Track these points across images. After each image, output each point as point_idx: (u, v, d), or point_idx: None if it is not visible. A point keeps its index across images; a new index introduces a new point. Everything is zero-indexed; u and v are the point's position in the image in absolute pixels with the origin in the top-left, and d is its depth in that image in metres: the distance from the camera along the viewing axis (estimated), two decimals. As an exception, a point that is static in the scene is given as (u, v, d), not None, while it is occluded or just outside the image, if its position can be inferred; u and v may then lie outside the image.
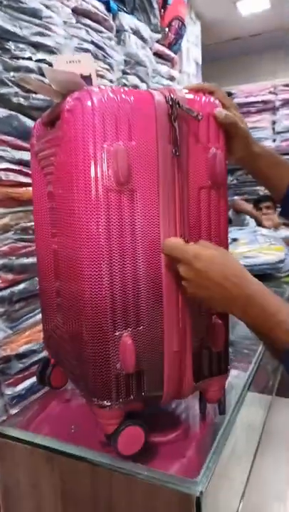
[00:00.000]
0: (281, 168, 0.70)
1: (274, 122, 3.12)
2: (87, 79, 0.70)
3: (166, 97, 0.55)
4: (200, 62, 2.70)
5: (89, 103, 0.50)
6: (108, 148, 0.50)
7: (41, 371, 0.73)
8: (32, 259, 1.14)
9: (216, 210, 0.59)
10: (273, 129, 3.13)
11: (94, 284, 0.51)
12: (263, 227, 2.61)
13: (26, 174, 1.11)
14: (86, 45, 1.37)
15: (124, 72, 1.60)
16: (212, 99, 0.60)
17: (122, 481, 0.53)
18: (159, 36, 1.87)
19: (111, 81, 1.47)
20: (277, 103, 3.13)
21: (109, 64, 1.50)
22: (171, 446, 0.59)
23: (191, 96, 0.58)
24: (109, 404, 0.53)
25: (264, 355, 0.93)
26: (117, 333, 0.52)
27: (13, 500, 0.63)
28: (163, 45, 1.97)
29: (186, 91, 0.60)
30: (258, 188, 3.09)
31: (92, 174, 0.51)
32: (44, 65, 1.10)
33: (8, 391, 1.08)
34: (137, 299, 0.53)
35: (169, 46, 2.05)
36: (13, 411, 1.07)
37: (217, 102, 0.61)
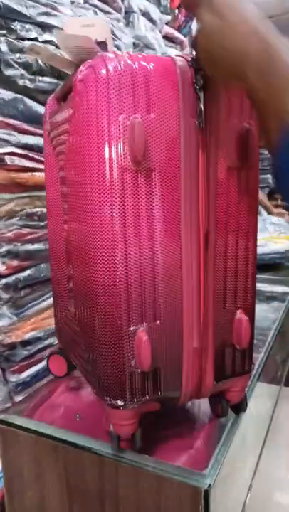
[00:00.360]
0: None
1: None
2: (102, 44, 0.65)
3: (189, 63, 0.48)
4: (210, 47, 2.63)
5: (103, 71, 0.44)
6: (124, 122, 0.45)
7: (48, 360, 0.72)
8: (37, 246, 1.13)
9: (246, 193, 0.53)
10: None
11: (107, 274, 0.47)
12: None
13: (32, 159, 1.08)
14: (94, 26, 1.33)
15: (132, 55, 1.57)
16: None
17: (129, 473, 0.51)
18: (168, 18, 1.82)
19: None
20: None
21: (117, 46, 1.46)
22: (179, 439, 0.57)
23: None
24: (122, 404, 0.49)
25: (273, 345, 0.91)
26: (131, 328, 0.48)
27: (17, 490, 0.63)
28: (172, 27, 1.92)
29: None
30: (268, 175, 3.03)
31: (106, 151, 0.46)
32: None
33: (13, 378, 1.08)
34: (153, 290, 0.48)
35: (179, 29, 1.99)
36: (18, 398, 1.07)
37: None
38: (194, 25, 2.02)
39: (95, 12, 1.34)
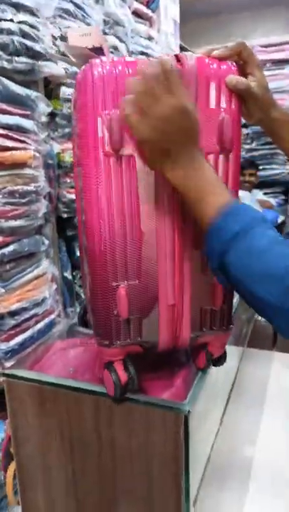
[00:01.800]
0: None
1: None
2: (99, 50, 0.72)
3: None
4: (178, 21, 2.65)
5: (90, 75, 0.54)
6: (106, 116, 0.54)
7: (82, 315, 0.81)
8: (20, 222, 1.18)
9: (225, 175, 0.60)
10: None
11: (96, 241, 0.58)
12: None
13: (12, 138, 1.13)
14: (66, 5, 1.35)
15: (103, 33, 1.59)
16: (229, 63, 0.60)
17: (123, 408, 0.62)
18: (137, -6, 1.84)
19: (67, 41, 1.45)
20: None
21: (88, 24, 1.48)
22: (162, 380, 0.67)
23: (205, 60, 0.58)
24: (108, 343, 0.60)
25: (239, 305, 1.02)
26: (114, 284, 0.58)
27: (23, 436, 0.71)
28: (141, 3, 1.94)
29: (197, 55, 0.58)
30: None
31: (93, 140, 0.55)
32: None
33: (2, 346, 1.16)
34: (133, 256, 0.59)
35: (147, 4, 2.01)
36: (8, 364, 1.14)
37: (233, 66, 0.60)
38: (161, 1, 2.03)
39: (66, -10, 1.35)
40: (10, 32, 1.07)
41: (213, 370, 0.72)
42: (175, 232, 0.61)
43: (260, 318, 2.16)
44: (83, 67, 0.56)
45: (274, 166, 3.12)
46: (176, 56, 0.58)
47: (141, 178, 0.57)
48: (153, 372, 0.68)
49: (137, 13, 1.89)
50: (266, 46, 3.11)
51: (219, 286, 0.63)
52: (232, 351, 1.06)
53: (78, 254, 1.49)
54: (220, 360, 0.71)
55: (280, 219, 2.48)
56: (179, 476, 0.61)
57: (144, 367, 0.64)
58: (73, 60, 0.63)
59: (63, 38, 1.34)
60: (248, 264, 0.47)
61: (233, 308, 0.71)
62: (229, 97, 0.59)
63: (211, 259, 0.52)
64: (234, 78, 0.59)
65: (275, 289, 0.45)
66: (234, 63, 0.61)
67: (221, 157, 0.60)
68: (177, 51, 2.51)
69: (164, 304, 0.61)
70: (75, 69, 1.33)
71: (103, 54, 0.72)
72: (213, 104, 0.58)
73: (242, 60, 0.63)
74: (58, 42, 1.32)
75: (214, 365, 0.71)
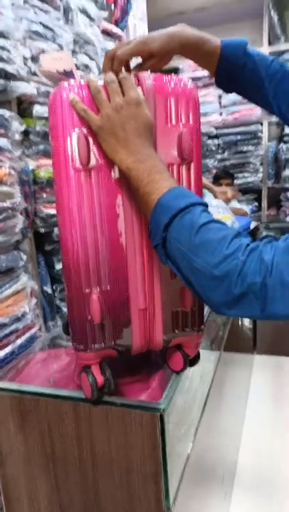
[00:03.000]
0: (203, 52, 0.70)
1: (220, 96, 3.22)
2: (70, 73, 0.77)
3: None
4: (147, 38, 2.72)
5: (58, 97, 0.59)
6: (74, 134, 0.59)
7: (66, 323, 0.84)
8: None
9: (188, 184, 0.66)
10: (220, 102, 3.24)
11: (70, 251, 0.62)
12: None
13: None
14: (35, 27, 1.39)
15: (73, 52, 1.63)
16: (186, 81, 0.65)
17: (101, 411, 0.65)
18: (105, 14, 1.89)
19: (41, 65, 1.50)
20: (223, 77, 3.21)
21: (59, 44, 1.52)
22: (138, 383, 0.70)
23: (163, 79, 0.63)
24: (83, 348, 0.64)
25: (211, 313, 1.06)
26: (87, 291, 0.62)
27: (6, 445, 0.73)
28: (110, 22, 2.00)
29: (153, 75, 0.62)
30: (207, 160, 3.21)
31: (63, 156, 0.59)
32: None
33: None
34: (103, 264, 0.62)
35: (116, 23, 2.07)
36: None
37: (189, 82, 0.66)
38: (130, 19, 2.10)
39: (35, 12, 1.40)
40: (-19, 55, 1.10)
41: (189, 373, 0.76)
42: (143, 239, 0.65)
43: (239, 322, 2.21)
44: (55, 88, 0.60)
45: (246, 175, 3.22)
46: (136, 76, 0.62)
47: (109, 188, 0.61)
48: (129, 376, 0.72)
49: (106, 32, 1.94)
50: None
51: (189, 290, 0.67)
52: (208, 355, 1.09)
53: (58, 267, 1.52)
54: (195, 360, 0.75)
55: (254, 225, 2.55)
56: (158, 476, 0.64)
57: (120, 371, 0.67)
58: (47, 81, 0.68)
59: (34, 59, 1.38)
60: (188, 236, 0.51)
61: (207, 312, 0.74)
62: (187, 111, 0.64)
63: (155, 234, 0.55)
64: (118, 55, 0.64)
65: (211, 258, 0.49)
66: (190, 80, 0.67)
67: (183, 167, 0.65)
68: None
69: (136, 308, 0.65)
70: (47, 88, 1.37)
71: (73, 77, 0.77)
72: (171, 119, 0.63)
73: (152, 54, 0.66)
74: (29, 63, 1.36)
75: (189, 366, 0.74)
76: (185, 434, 0.84)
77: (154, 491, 0.64)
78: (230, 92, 0.77)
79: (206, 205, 0.55)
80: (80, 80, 0.61)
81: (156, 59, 0.67)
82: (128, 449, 0.64)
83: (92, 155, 0.60)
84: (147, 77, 0.62)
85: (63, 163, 0.59)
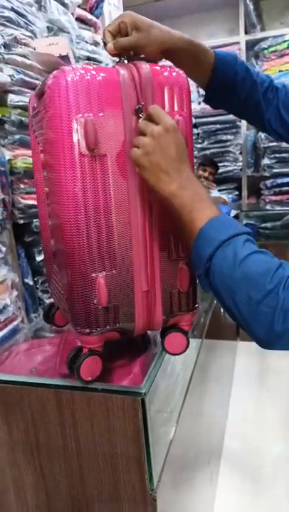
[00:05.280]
0: (200, 61, 0.74)
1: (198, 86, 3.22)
2: (66, 58, 0.76)
3: (131, 73, 0.62)
4: (123, 26, 2.69)
5: (63, 81, 0.58)
6: (80, 119, 0.58)
7: (47, 312, 0.83)
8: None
9: None
10: (198, 91, 3.24)
11: (74, 237, 0.61)
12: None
13: None
14: (7, 13, 1.36)
15: (48, 40, 1.61)
16: (178, 70, 0.65)
17: (83, 399, 0.65)
18: (79, 1, 1.86)
19: (34, 49, 1.48)
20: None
21: (32, 31, 1.49)
22: (122, 369, 0.71)
23: (157, 68, 0.64)
24: (88, 331, 0.64)
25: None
26: (93, 275, 0.63)
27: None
28: (84, 9, 1.97)
29: (149, 65, 0.63)
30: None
31: (68, 141, 0.59)
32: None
33: None
34: (109, 248, 0.63)
35: (91, 10, 2.04)
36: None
37: (182, 72, 0.66)
38: (105, 6, 2.07)
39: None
40: None
41: (171, 358, 0.76)
42: (146, 224, 0.66)
43: (221, 310, 2.23)
44: (54, 73, 0.59)
45: (226, 164, 3.23)
46: (134, 64, 0.63)
47: (115, 174, 0.61)
48: (111, 362, 0.72)
49: (80, 19, 1.91)
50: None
51: (185, 271, 0.68)
52: (191, 343, 1.10)
53: (39, 259, 1.50)
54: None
55: (234, 213, 2.58)
56: (141, 459, 0.65)
57: (103, 358, 0.67)
58: (39, 67, 0.66)
59: (7, 46, 1.35)
60: (231, 269, 0.52)
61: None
62: (181, 100, 0.65)
63: (198, 265, 0.57)
64: (110, 47, 0.65)
65: (254, 293, 0.49)
66: (182, 70, 0.67)
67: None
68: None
69: (139, 290, 0.66)
70: (21, 76, 1.34)
71: (69, 62, 0.76)
72: (167, 107, 0.64)
73: (133, 29, 0.67)
74: (2, 50, 1.33)
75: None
76: (168, 419, 0.84)
77: (138, 474, 0.65)
78: (220, 106, 0.80)
79: (248, 233, 0.56)
80: (80, 65, 0.60)
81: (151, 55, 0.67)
82: (111, 433, 0.64)
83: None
84: (144, 66, 0.62)
85: (68, 148, 0.59)
